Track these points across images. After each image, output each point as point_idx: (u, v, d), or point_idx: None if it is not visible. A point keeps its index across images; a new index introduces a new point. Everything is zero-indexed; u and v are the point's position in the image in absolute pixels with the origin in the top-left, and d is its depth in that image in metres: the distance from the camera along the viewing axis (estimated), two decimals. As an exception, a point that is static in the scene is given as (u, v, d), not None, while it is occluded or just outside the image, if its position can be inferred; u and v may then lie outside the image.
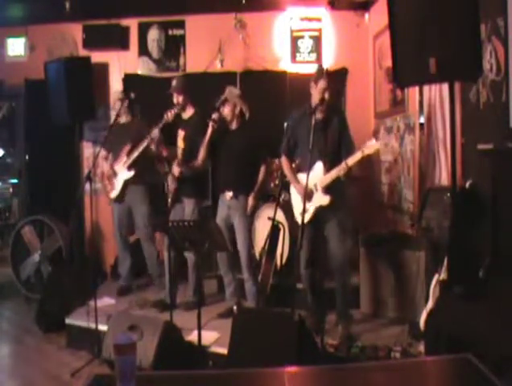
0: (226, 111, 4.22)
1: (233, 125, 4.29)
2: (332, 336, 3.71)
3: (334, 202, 3.74)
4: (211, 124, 4.15)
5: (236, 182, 4.24)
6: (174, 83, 4.53)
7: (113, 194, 4.97)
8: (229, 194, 4.23)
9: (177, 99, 4.47)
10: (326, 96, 3.71)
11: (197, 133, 4.38)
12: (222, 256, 4.29)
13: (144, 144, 4.59)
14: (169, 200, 4.39)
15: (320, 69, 3.93)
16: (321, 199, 3.74)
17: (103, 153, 4.97)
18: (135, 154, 4.72)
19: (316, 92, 3.76)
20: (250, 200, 4.25)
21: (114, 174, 4.92)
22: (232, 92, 4.28)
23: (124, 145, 4.84)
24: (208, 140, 4.21)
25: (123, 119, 4.96)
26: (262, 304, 4.21)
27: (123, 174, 4.88)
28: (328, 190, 3.73)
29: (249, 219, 4.35)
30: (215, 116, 4.17)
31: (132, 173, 4.83)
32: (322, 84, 3.74)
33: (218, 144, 4.28)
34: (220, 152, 4.32)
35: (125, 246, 5.09)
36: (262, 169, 4.30)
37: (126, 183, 4.89)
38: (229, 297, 4.38)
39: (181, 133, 4.52)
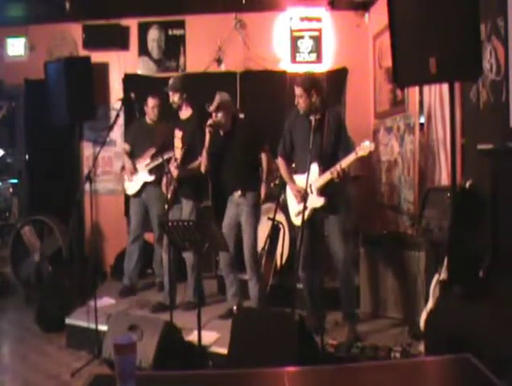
0: (220, 117, 4.17)
1: (225, 129, 4.27)
2: (332, 336, 3.71)
3: (332, 203, 3.73)
4: (208, 130, 4.14)
5: (241, 182, 4.22)
6: (170, 81, 4.55)
7: (131, 191, 5.04)
8: (238, 193, 4.24)
9: (172, 98, 4.48)
10: (301, 103, 3.74)
11: (195, 133, 4.37)
12: (224, 256, 4.28)
13: (168, 155, 4.57)
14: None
15: (297, 76, 4.02)
16: (315, 201, 3.73)
17: (126, 146, 5.08)
18: (159, 161, 4.71)
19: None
20: (263, 189, 4.28)
21: (136, 170, 4.97)
22: (223, 97, 4.21)
23: (149, 146, 4.88)
24: (208, 146, 4.20)
25: (151, 119, 5.00)
26: (262, 304, 4.21)
27: (144, 176, 4.94)
28: (323, 192, 3.72)
29: (257, 220, 4.33)
30: (211, 121, 4.15)
31: (153, 178, 4.91)
32: (296, 90, 3.78)
33: (212, 149, 4.26)
34: (217, 157, 4.30)
35: (136, 243, 5.08)
36: (264, 157, 4.29)
37: (145, 184, 4.97)
38: (231, 298, 4.36)
39: (178, 134, 4.51)
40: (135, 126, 5.15)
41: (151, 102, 4.95)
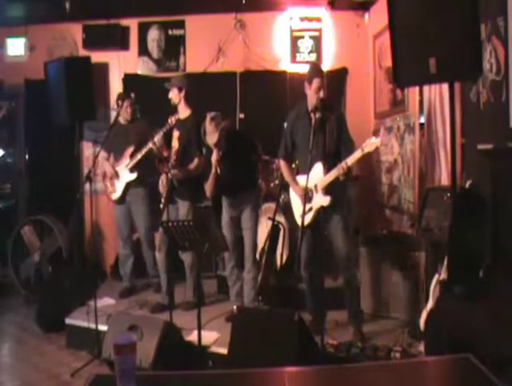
0: (217, 141, 4.03)
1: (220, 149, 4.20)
2: (332, 336, 3.70)
3: (335, 201, 3.72)
4: (214, 165, 4.07)
5: (239, 188, 4.21)
6: (172, 79, 4.57)
7: (115, 195, 4.97)
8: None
9: (170, 94, 4.47)
10: (322, 94, 3.63)
11: (192, 134, 4.36)
12: (228, 254, 4.26)
13: (148, 147, 4.56)
14: (162, 200, 4.36)
15: (313, 68, 3.87)
16: (322, 200, 3.71)
17: (103, 154, 4.94)
18: (138, 157, 4.70)
19: (312, 92, 3.68)
20: (262, 183, 4.29)
21: (116, 175, 4.92)
22: (216, 119, 4.06)
23: (126, 146, 4.83)
24: (215, 178, 4.12)
25: (125, 119, 4.93)
26: (261, 304, 4.20)
27: (126, 175, 4.87)
28: (328, 190, 3.70)
29: (256, 218, 4.32)
30: (217, 158, 4.06)
31: (135, 175, 4.83)
32: (316, 82, 3.65)
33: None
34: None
35: (128, 246, 5.06)
36: (260, 167, 4.31)
37: (128, 185, 4.90)
38: (234, 297, 4.34)
39: (176, 134, 4.50)
40: (111, 132, 4.86)
41: (124, 102, 4.88)
